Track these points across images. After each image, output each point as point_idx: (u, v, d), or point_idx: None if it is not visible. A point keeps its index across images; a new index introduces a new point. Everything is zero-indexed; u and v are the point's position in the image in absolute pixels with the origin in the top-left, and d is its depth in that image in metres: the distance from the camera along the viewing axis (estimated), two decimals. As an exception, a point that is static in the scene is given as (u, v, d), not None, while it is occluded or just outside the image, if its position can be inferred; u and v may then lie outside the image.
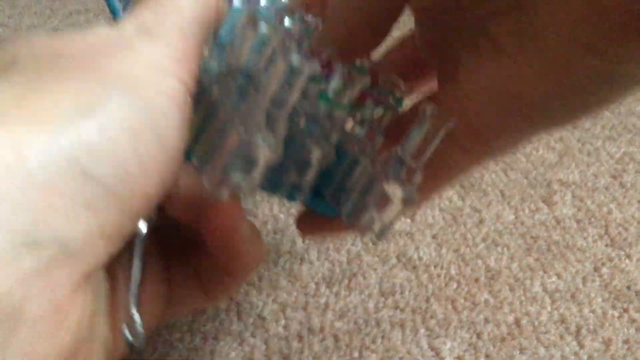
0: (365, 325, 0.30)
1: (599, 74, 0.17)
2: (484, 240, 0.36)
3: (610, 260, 0.34)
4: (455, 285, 0.33)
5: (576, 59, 0.17)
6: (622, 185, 0.39)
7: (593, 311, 0.31)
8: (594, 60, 0.17)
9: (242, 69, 0.19)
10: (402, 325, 0.30)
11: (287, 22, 0.20)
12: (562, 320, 0.31)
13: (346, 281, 0.33)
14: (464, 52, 0.20)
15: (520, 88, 0.19)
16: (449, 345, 0.30)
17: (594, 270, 0.33)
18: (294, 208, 0.36)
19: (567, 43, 0.17)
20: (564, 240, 0.35)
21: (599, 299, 0.32)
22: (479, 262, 0.34)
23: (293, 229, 0.35)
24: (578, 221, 0.37)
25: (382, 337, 0.30)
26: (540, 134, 0.22)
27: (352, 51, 0.23)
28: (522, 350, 0.29)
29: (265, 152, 0.17)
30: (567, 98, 0.19)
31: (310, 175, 0.21)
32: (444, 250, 0.35)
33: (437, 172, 0.24)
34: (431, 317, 0.31)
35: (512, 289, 0.32)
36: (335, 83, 0.21)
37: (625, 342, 0.29)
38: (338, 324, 0.31)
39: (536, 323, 0.30)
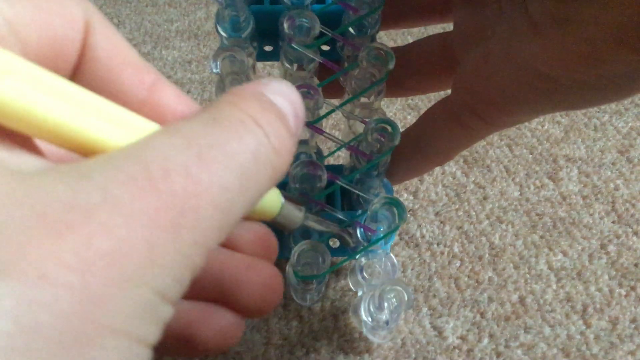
0: (367, 305, 0.30)
1: (633, 67, 0.17)
2: (488, 217, 0.35)
3: (617, 237, 0.33)
4: (458, 263, 0.32)
5: (611, 50, 0.17)
6: (629, 160, 0.38)
7: (599, 289, 0.30)
8: (630, 55, 0.16)
9: None
10: (404, 305, 0.30)
11: None
12: (568, 299, 0.30)
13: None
14: (501, 27, 0.20)
15: (549, 68, 0.19)
16: (452, 324, 0.29)
17: (601, 247, 0.33)
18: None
19: (604, 33, 0.16)
20: (570, 217, 0.35)
21: (606, 277, 0.31)
22: (483, 239, 0.33)
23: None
24: (584, 197, 0.36)
25: (384, 316, 0.29)
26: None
27: None
28: (526, 330, 0.29)
29: None
30: (595, 85, 0.18)
31: None
32: (447, 228, 0.34)
33: (452, 141, 0.24)
34: (434, 295, 0.30)
35: (516, 267, 0.32)
36: None
37: (633, 320, 0.29)
38: (338, 304, 0.30)
39: (541, 302, 0.30)
